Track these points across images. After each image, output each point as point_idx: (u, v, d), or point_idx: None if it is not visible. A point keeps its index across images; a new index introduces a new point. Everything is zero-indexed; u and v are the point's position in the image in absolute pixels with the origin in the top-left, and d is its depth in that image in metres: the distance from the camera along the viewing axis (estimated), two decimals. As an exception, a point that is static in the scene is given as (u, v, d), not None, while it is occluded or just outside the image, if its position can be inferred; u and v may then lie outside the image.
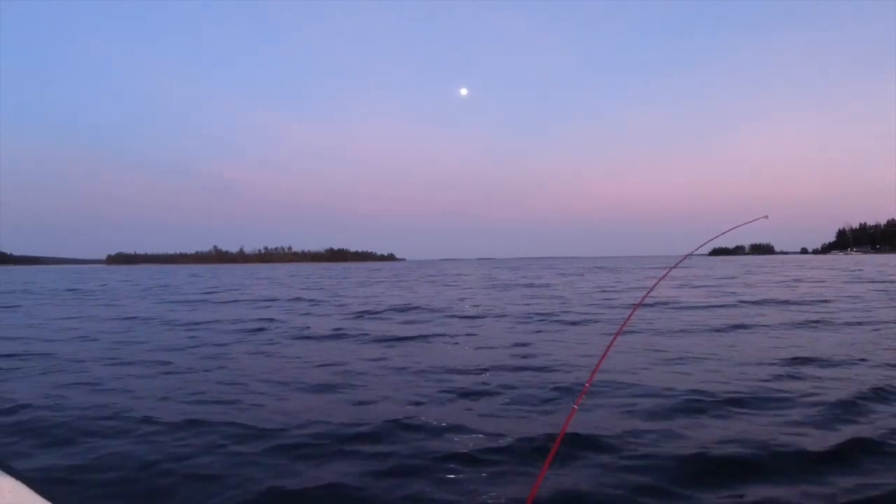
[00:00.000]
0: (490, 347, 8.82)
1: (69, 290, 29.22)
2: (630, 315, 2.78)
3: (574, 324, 11.80)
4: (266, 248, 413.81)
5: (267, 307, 17.25)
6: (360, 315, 14.35)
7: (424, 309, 15.62)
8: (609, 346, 2.41)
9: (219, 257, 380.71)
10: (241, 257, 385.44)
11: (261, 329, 11.75)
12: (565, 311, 14.13)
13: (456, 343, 9.43)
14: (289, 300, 19.96)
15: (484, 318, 13.24)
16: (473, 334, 10.40)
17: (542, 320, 12.42)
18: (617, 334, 2.65)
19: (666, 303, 15.39)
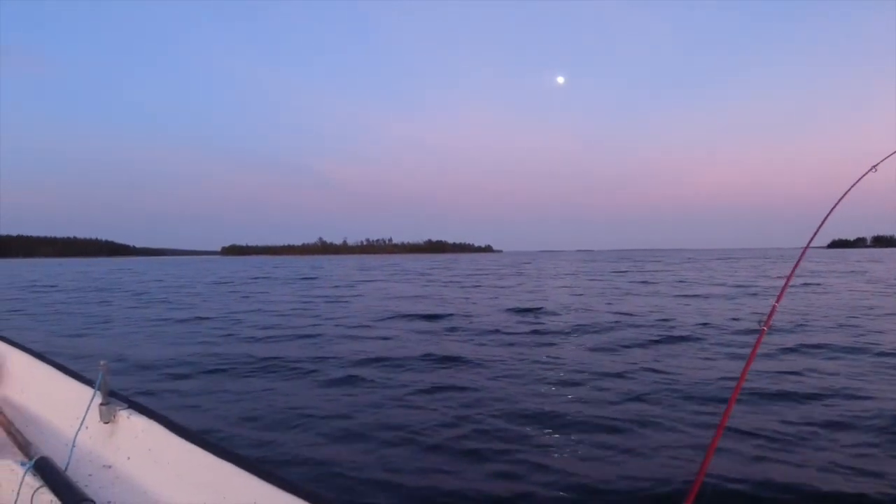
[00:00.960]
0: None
1: (261, 278, 28.70)
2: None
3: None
4: (367, 240, 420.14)
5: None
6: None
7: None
8: None
9: (323, 248, 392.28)
10: (344, 248, 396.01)
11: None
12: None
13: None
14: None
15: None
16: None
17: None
18: None
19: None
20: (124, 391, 1.70)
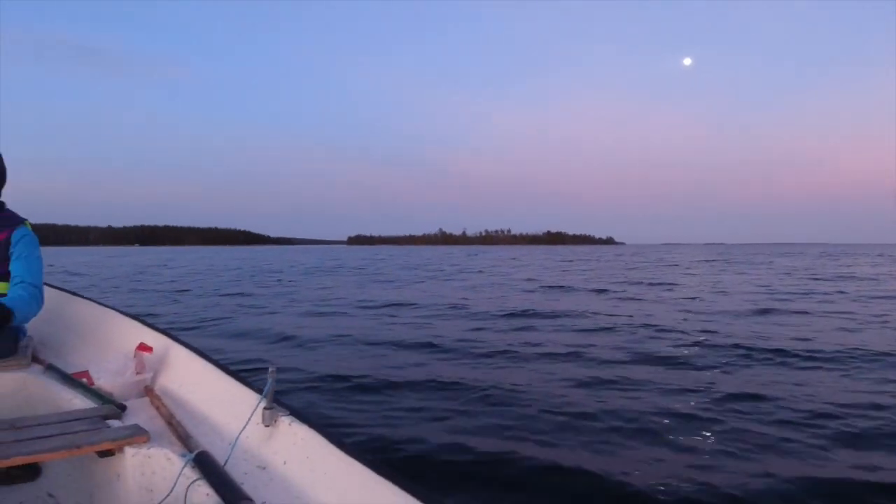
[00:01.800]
0: None
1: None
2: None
3: None
4: (486, 231, 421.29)
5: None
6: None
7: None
8: None
9: (443, 239, 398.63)
10: (463, 239, 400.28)
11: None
12: None
13: None
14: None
15: None
16: None
17: None
18: None
19: None
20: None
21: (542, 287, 15.08)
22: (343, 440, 1.44)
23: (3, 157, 2.31)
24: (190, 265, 31.60)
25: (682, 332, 7.17)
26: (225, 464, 1.48)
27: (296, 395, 4.17)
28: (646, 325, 7.70)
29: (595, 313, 9.19)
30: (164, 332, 2.43)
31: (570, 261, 38.58)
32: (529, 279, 18.34)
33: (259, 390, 1.72)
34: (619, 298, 11.94)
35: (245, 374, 1.98)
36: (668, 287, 14.94)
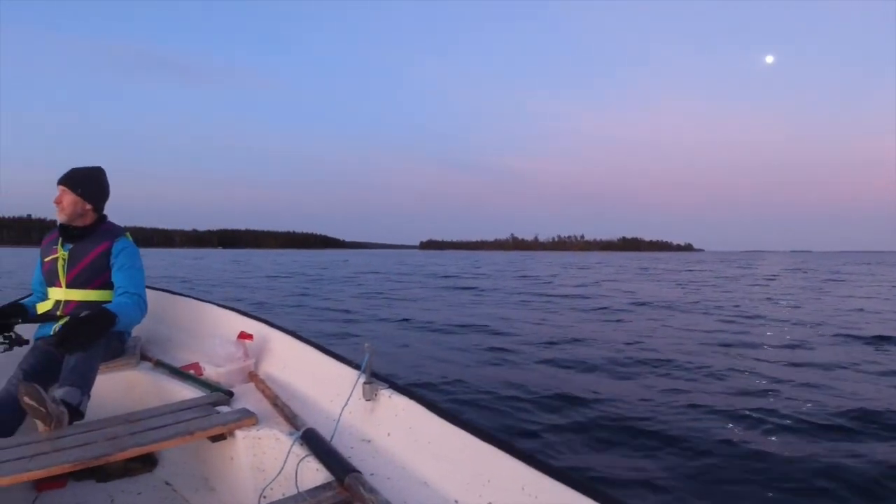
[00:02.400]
0: None
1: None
2: None
3: None
4: (559, 237, 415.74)
5: None
6: None
7: None
8: None
9: (515, 244, 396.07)
10: (535, 245, 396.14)
11: None
12: None
13: None
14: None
15: None
16: None
17: None
18: None
19: None
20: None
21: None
22: (443, 408, 1.45)
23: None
24: (340, 267, 32.68)
25: None
26: (331, 439, 1.52)
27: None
28: None
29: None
30: (262, 319, 2.53)
31: (684, 270, 35.20)
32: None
33: (356, 366, 1.75)
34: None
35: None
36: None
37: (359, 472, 1.30)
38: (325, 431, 1.55)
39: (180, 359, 2.56)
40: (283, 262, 40.33)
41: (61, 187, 2.28)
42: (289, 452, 1.48)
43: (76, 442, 1.62)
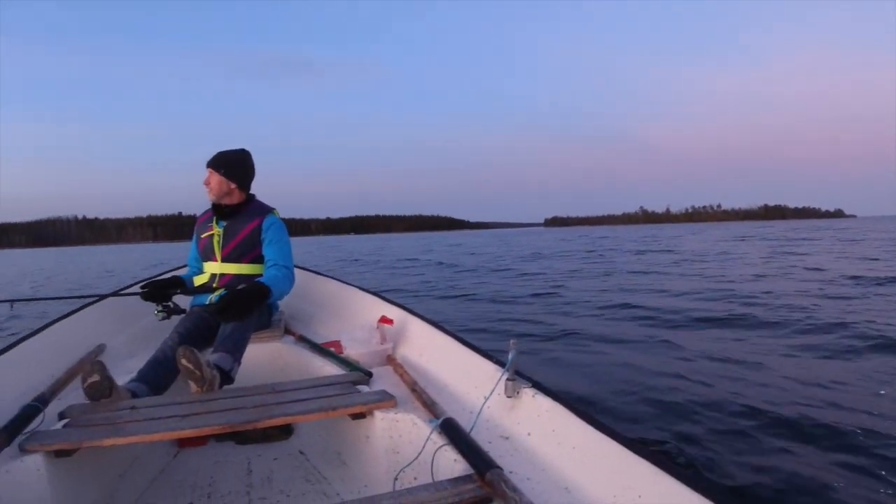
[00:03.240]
0: None
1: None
2: None
3: None
4: (693, 207, 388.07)
5: None
6: None
7: None
8: None
9: (645, 217, 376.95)
10: (666, 217, 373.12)
11: None
12: None
13: None
14: None
15: None
16: None
17: None
18: None
19: None
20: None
21: None
22: (592, 415, 1.38)
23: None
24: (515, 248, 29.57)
25: None
26: (470, 431, 1.47)
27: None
28: None
29: None
30: (402, 305, 2.55)
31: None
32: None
33: (498, 362, 1.71)
34: None
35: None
36: None
37: (499, 467, 1.25)
38: (463, 423, 1.52)
39: (322, 335, 2.65)
40: (420, 246, 38.76)
41: (209, 169, 2.47)
42: (427, 439, 1.46)
43: (225, 406, 1.71)
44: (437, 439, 1.44)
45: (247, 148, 2.61)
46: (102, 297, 2.87)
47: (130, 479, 1.85)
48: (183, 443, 2.20)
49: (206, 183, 2.47)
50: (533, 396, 1.54)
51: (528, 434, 1.48)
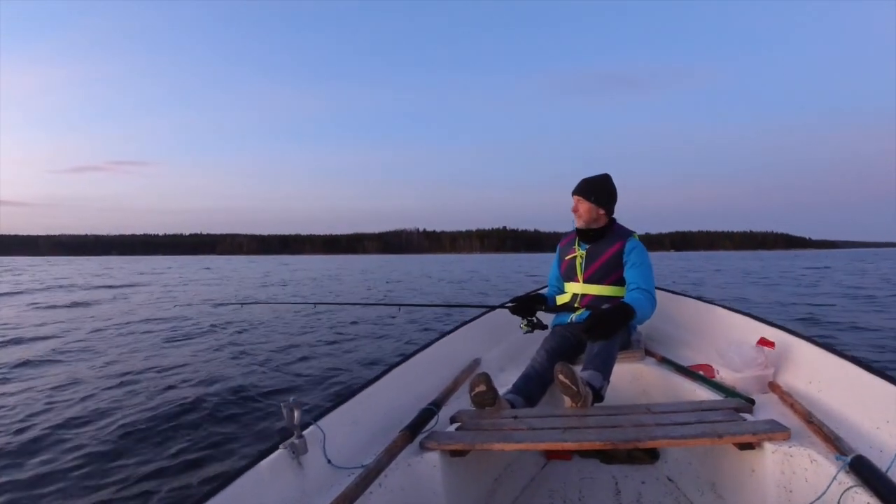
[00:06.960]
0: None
1: None
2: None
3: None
4: None
5: None
6: None
7: None
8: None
9: None
10: None
11: None
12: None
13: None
14: None
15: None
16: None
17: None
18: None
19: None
20: None
21: None
22: None
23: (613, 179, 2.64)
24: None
25: None
26: (887, 471, 1.31)
27: None
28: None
29: None
30: (782, 327, 2.35)
31: None
32: None
33: None
34: None
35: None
36: None
37: None
38: (875, 462, 1.33)
39: (686, 358, 2.56)
40: (775, 267, 34.01)
41: (576, 197, 2.56)
42: (833, 479, 1.31)
43: (600, 423, 1.73)
44: (846, 479, 1.30)
45: (608, 173, 2.66)
46: (480, 307, 3.10)
47: (505, 483, 1.97)
48: (551, 455, 2.27)
49: (575, 210, 2.58)
50: None
51: None
